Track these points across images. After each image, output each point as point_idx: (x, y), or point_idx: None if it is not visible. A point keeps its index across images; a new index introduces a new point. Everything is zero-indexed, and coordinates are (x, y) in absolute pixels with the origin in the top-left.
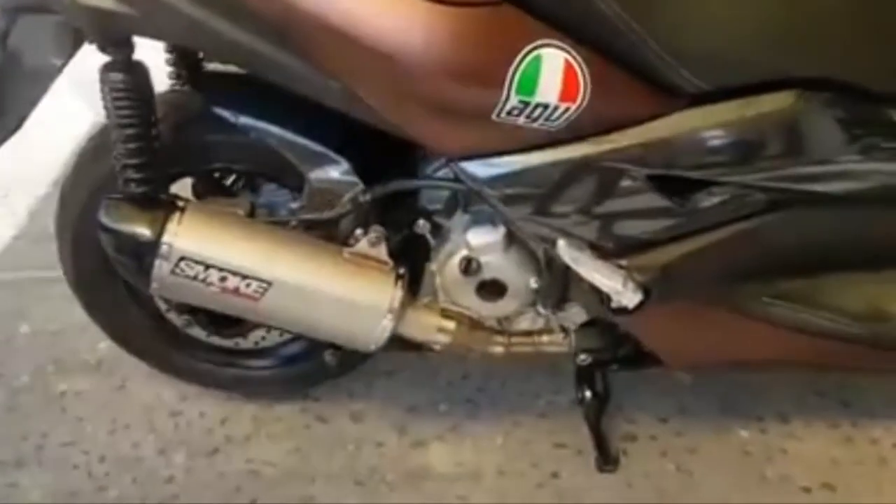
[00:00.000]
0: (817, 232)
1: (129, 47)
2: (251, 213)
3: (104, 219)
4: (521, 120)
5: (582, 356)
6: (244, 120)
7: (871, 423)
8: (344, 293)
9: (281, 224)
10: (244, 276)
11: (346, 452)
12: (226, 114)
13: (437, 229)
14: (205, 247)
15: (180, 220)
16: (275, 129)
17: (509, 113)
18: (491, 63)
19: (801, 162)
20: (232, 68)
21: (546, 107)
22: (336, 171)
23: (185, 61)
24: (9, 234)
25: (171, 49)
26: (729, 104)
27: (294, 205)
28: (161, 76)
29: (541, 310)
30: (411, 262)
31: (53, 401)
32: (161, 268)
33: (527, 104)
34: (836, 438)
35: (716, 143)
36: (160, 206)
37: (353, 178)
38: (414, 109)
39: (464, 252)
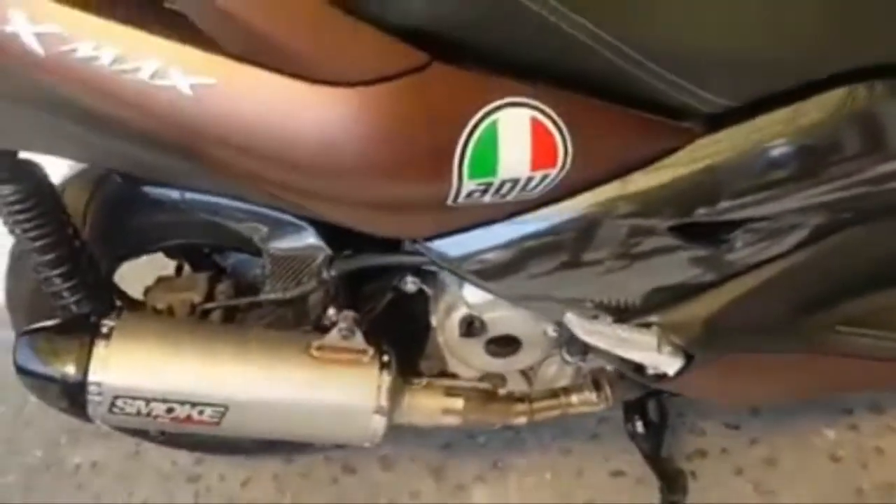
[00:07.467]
0: (882, 245)
1: (9, 154)
2: (210, 291)
3: (19, 360)
4: (488, 198)
5: None
6: (189, 195)
7: None
8: (318, 400)
9: (239, 309)
10: (194, 404)
11: None
12: (164, 191)
13: (430, 277)
14: (139, 379)
15: (107, 348)
16: (224, 202)
17: (469, 196)
18: (427, 148)
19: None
20: None
21: (516, 181)
22: (299, 239)
23: None
24: None
25: None
26: (764, 119)
27: (260, 270)
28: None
29: (567, 357)
30: (404, 327)
31: (68, 476)
32: (96, 409)
33: (489, 184)
34: None
35: (755, 168)
36: (81, 333)
37: (319, 243)
38: (358, 211)
39: (463, 311)
